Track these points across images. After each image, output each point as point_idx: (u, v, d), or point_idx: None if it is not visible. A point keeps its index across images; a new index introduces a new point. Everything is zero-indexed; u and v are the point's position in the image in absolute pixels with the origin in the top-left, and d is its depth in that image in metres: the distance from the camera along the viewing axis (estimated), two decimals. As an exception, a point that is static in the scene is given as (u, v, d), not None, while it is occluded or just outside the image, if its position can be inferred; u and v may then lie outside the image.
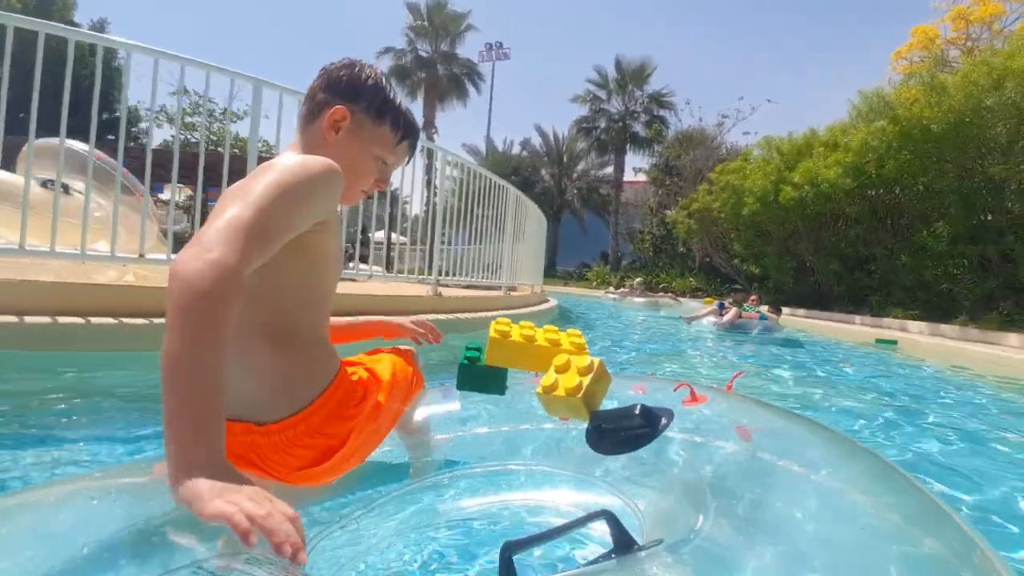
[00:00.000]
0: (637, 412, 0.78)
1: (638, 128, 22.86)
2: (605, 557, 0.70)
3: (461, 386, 0.92)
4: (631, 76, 22.15)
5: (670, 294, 11.80)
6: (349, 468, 0.86)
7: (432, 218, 4.55)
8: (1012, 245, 6.27)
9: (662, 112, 22.26)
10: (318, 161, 0.74)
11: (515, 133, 64.31)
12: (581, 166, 27.07)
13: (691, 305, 10.50)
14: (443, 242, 4.39)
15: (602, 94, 23.26)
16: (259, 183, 0.66)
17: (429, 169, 7.30)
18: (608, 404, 0.83)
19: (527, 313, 5.60)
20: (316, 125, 0.85)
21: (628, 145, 23.17)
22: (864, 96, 7.71)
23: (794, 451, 0.85)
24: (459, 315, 3.84)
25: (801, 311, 10.08)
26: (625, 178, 24.29)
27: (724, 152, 18.27)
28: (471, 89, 24.64)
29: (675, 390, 1.02)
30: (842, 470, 0.80)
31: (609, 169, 24.90)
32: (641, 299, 11.63)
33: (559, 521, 0.81)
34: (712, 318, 7.01)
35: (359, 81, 0.86)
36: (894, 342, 6.01)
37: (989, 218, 6.72)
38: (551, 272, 24.40)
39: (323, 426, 0.80)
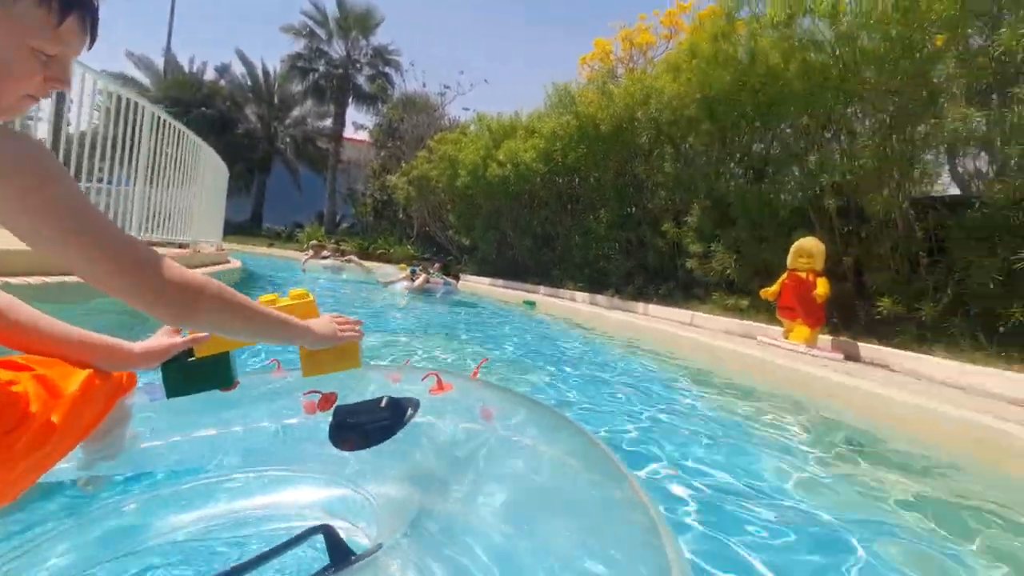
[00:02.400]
0: (383, 404, 0.84)
1: (362, 81, 21.43)
2: (320, 574, 0.66)
3: (173, 393, 0.79)
4: (355, 21, 20.45)
5: (354, 259, 11.33)
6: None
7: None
8: (645, 233, 7.86)
9: (387, 70, 21.35)
10: None
11: (209, 54, 52.41)
12: (296, 112, 24.01)
13: (387, 270, 10.64)
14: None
15: (321, 32, 20.84)
16: None
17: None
18: (361, 396, 0.91)
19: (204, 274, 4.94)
20: None
21: (351, 98, 21.53)
22: (556, 88, 8.56)
23: (522, 427, 0.97)
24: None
25: (500, 281, 10.99)
26: (347, 134, 22.62)
27: (446, 123, 18.70)
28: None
29: (423, 380, 1.04)
30: (552, 438, 0.95)
31: (329, 121, 22.75)
32: (324, 262, 10.87)
33: (293, 528, 0.77)
34: (405, 283, 7.80)
35: None
36: (533, 303, 7.84)
37: (633, 210, 8.30)
38: (255, 231, 21.14)
39: None
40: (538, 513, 0.75)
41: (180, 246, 5.96)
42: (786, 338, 4.52)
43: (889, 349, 4.05)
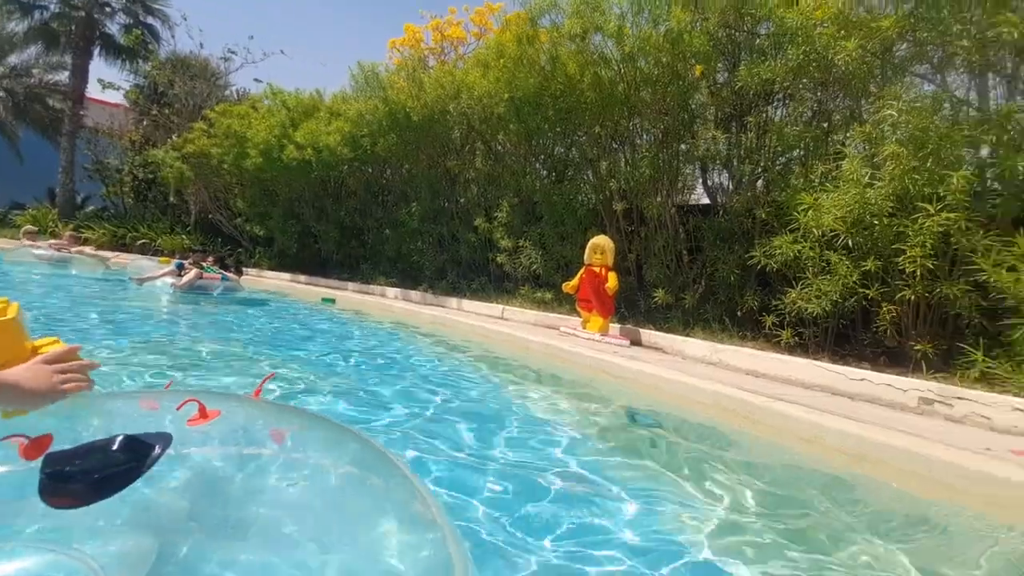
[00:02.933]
0: (116, 446, 0.70)
1: (114, 30, 17.31)
2: None
3: None
4: (102, -46, 16.40)
5: (85, 250, 9.20)
6: None
7: None
8: (458, 227, 7.87)
9: (150, 20, 17.61)
10: None
11: None
12: (15, 58, 18.34)
13: (141, 264, 8.89)
14: None
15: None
16: None
17: None
18: (100, 433, 0.76)
19: None
20: None
21: (99, 50, 17.22)
22: (362, 68, 8.00)
23: (307, 446, 0.93)
24: None
25: (304, 277, 9.95)
26: (93, 95, 18.05)
27: (232, 94, 16.22)
28: None
29: (178, 408, 0.90)
30: (338, 454, 0.91)
31: (66, 76, 17.86)
32: (39, 252, 8.59)
33: None
34: (170, 279, 6.76)
35: None
36: (333, 299, 7.49)
37: (446, 204, 8.24)
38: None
39: None
40: (323, 533, 0.72)
41: None
42: (584, 328, 4.91)
43: (661, 333, 4.68)
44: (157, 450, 0.70)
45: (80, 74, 17.09)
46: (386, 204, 9.61)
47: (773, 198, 4.45)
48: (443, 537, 0.74)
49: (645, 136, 5.75)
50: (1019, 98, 3.28)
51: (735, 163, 5.02)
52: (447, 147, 7.96)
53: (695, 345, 4.10)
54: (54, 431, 0.83)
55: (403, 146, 8.05)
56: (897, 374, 3.15)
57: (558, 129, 6.56)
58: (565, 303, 6.04)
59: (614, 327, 5.00)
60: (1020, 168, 2.94)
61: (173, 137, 14.15)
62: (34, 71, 18.48)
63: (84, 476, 0.66)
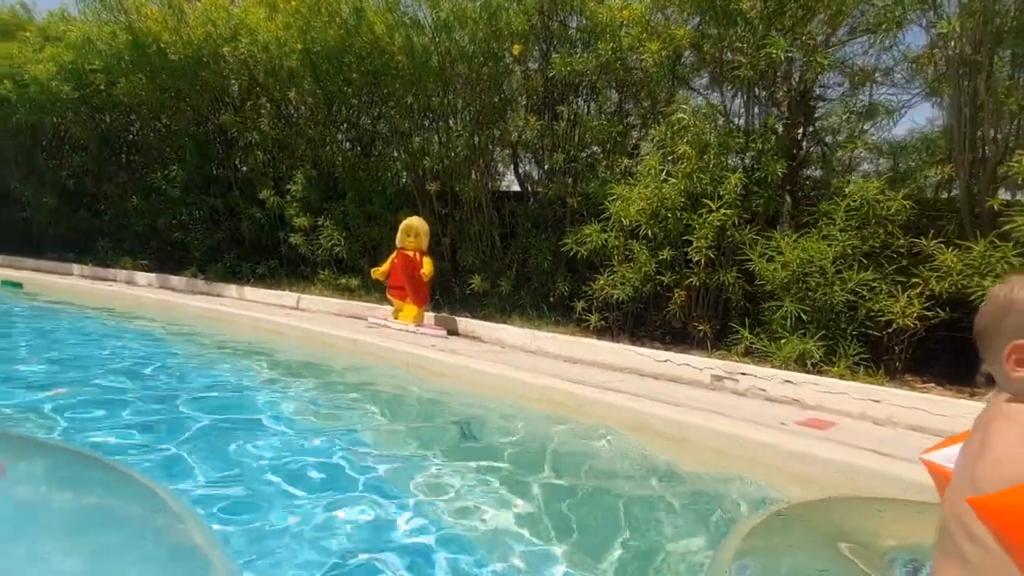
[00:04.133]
0: None
1: None
2: None
3: None
4: None
5: None
6: None
7: None
8: (238, 200, 6.54)
9: None
10: None
11: None
12: None
13: None
14: None
15: None
16: None
17: None
18: None
19: None
20: None
21: None
22: (92, -22, 5.99)
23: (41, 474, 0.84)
24: None
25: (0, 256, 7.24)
26: None
27: None
28: None
29: None
30: (68, 476, 0.85)
31: None
32: None
33: None
34: None
35: None
36: (20, 284, 6.34)
37: (221, 171, 6.78)
38: None
39: None
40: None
41: None
42: (396, 318, 4.45)
43: (478, 321, 4.51)
44: None
45: None
46: (132, 165, 7.53)
47: (582, 188, 4.60)
48: (202, 547, 0.73)
49: (461, 115, 5.47)
50: (774, 111, 3.89)
51: (547, 151, 5.09)
52: (221, 100, 6.52)
53: (514, 333, 4.00)
54: None
55: (157, 92, 6.31)
56: (683, 352, 3.50)
57: (364, 96, 5.85)
58: (373, 290, 5.46)
59: (429, 316, 4.65)
60: (779, 172, 3.47)
61: None
62: None
63: None
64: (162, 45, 5.73)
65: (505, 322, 4.42)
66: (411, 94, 5.23)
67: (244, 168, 6.80)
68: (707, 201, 3.65)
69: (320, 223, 5.84)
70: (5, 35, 6.99)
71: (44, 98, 6.40)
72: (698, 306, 3.93)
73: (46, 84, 6.14)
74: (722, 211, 3.60)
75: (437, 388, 2.86)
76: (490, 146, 5.25)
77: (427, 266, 4.33)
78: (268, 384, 2.84)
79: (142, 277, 6.41)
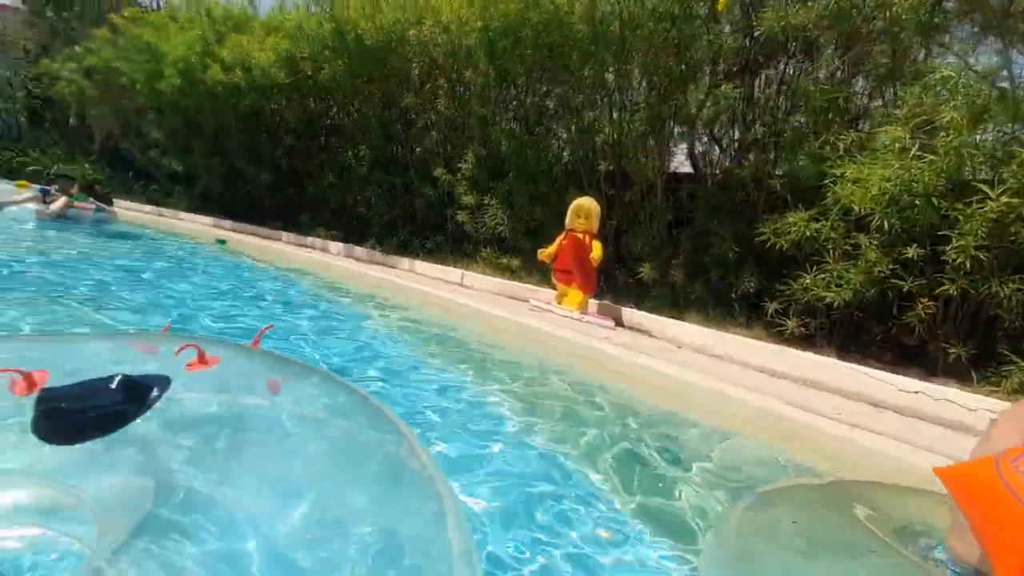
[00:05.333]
0: (115, 386, 0.72)
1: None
2: None
3: None
4: None
5: None
6: None
7: None
8: (413, 178, 6.91)
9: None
10: None
11: None
12: None
13: None
14: None
15: None
16: None
17: None
18: (102, 369, 0.77)
19: None
20: None
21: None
22: (306, -27, 6.68)
23: (307, 397, 0.91)
24: None
25: (228, 223, 8.68)
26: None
27: (150, 5, 13.89)
28: None
29: (177, 353, 0.91)
30: (336, 405, 0.91)
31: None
32: None
33: None
34: (34, 205, 6.13)
35: None
36: (224, 241, 7.15)
37: (400, 150, 7.22)
38: None
39: None
40: (324, 482, 0.71)
41: None
42: (559, 303, 4.25)
43: (646, 314, 4.10)
44: (155, 392, 0.72)
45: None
46: (331, 147, 8.41)
47: (786, 166, 3.88)
48: (438, 494, 0.73)
49: (638, 87, 5.01)
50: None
51: (739, 124, 4.41)
52: (404, 83, 6.88)
53: (693, 332, 3.53)
54: (49, 367, 0.82)
55: (351, 78, 6.88)
56: (919, 378, 2.71)
57: (536, 72, 5.68)
58: (535, 272, 5.35)
59: (592, 303, 4.37)
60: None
61: (75, 49, 11.93)
62: None
63: (80, 414, 0.67)
64: (359, 32, 6.18)
65: (679, 318, 3.96)
66: (587, 66, 4.91)
67: (418, 149, 7.16)
68: (981, 186, 2.76)
69: (486, 201, 5.88)
70: (237, 29, 8.20)
71: (265, 83, 7.39)
72: (950, 321, 3.05)
73: (266, 70, 7.06)
74: (1003, 199, 2.69)
75: (617, 390, 2.56)
76: (670, 122, 4.72)
77: (597, 250, 4.04)
78: (445, 357, 2.83)
79: (332, 246, 7.16)
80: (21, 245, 4.80)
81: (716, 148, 4.93)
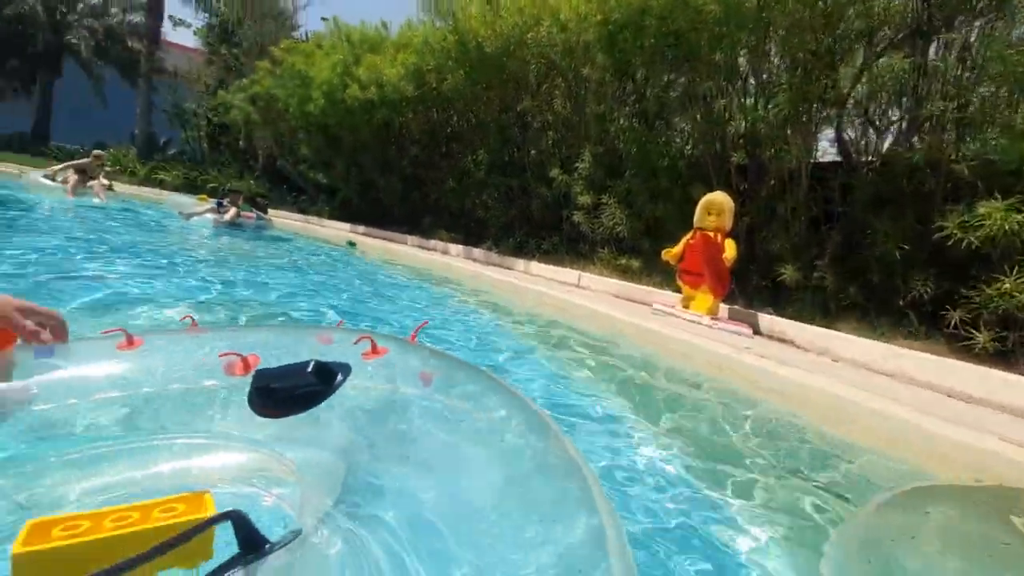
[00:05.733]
0: (310, 369, 0.82)
1: (186, -34, 17.09)
2: (229, 565, 0.57)
3: None
4: None
5: (98, 181, 8.89)
6: None
7: None
8: (529, 180, 6.96)
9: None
10: None
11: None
12: (95, -1, 18.69)
13: (177, 199, 9.47)
14: None
15: None
16: None
17: None
18: (285, 359, 0.90)
19: None
20: None
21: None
22: (431, -11, 7.03)
23: (463, 393, 0.92)
24: None
25: (362, 227, 9.47)
26: (169, 38, 18.16)
27: (301, 36, 15.70)
28: None
29: (355, 343, 1.00)
30: (493, 404, 0.89)
31: (140, 18, 17.98)
32: (50, 183, 8.53)
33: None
34: (211, 215, 7.26)
35: None
36: (354, 243, 7.85)
37: (516, 152, 7.32)
38: (39, 147, 16.42)
39: None
40: (480, 483, 0.73)
41: None
42: (685, 307, 3.96)
43: (788, 321, 3.66)
44: (340, 377, 0.80)
45: (154, 13, 17.12)
46: (451, 154, 8.79)
47: (979, 148, 3.23)
48: (598, 509, 0.68)
49: (777, 68, 4.52)
50: None
51: (910, 100, 3.77)
52: (521, 86, 6.95)
53: (852, 343, 3.06)
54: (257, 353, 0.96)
55: (471, 85, 7.12)
56: None
57: (658, 62, 5.39)
58: (655, 272, 5.08)
59: (722, 308, 4.02)
60: None
61: (243, 81, 13.88)
62: (112, 9, 18.71)
63: (285, 392, 0.77)
64: (480, 40, 6.36)
65: (829, 326, 3.48)
66: (718, 49, 4.53)
67: (534, 151, 7.20)
68: None
69: (603, 200, 5.72)
70: (373, 50, 8.91)
71: (395, 97, 7.93)
72: None
73: (396, 84, 7.56)
74: None
75: (769, 411, 2.27)
76: (816, 104, 4.18)
77: (730, 249, 3.70)
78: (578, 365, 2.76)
79: (452, 248, 7.47)
80: (204, 247, 5.69)
81: (871, 131, 4.27)
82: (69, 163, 9.00)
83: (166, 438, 0.92)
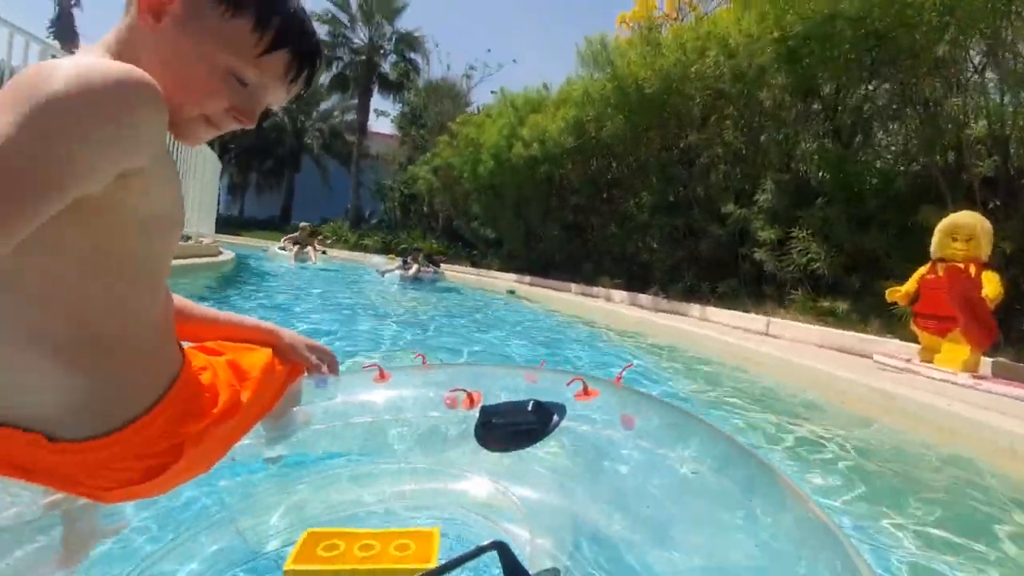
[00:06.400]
0: (530, 408, 0.86)
1: (386, 69, 20.50)
2: None
3: None
4: (378, 6, 19.51)
5: (313, 245, 10.76)
6: (189, 479, 0.70)
7: None
8: (697, 218, 6.45)
9: (412, 55, 20.31)
10: (111, 70, 0.45)
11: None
12: (324, 106, 23.40)
13: (374, 260, 11.27)
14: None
15: (343, 18, 20.01)
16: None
17: None
18: (502, 396, 0.95)
19: (193, 266, 5.30)
20: (131, 11, 0.55)
21: (375, 87, 20.66)
22: (589, 43, 7.21)
23: (674, 443, 0.89)
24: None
25: (528, 278, 9.77)
26: (372, 128, 21.82)
27: (474, 110, 17.55)
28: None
29: (568, 384, 1.00)
30: (706, 450, 0.86)
31: (353, 116, 21.96)
32: (283, 253, 10.47)
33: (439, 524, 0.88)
34: (399, 271, 8.40)
35: None
36: (514, 291, 8.23)
37: (682, 191, 6.90)
38: (284, 227, 20.72)
39: (148, 446, 0.61)
40: (702, 529, 0.73)
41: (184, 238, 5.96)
42: (926, 360, 3.09)
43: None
44: (556, 418, 0.81)
45: (363, 110, 20.77)
46: (612, 199, 8.69)
47: None
48: (841, 547, 0.64)
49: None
50: None
51: None
52: (685, 122, 6.61)
53: None
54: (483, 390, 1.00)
55: (631, 129, 6.99)
56: None
57: (854, 69, 4.63)
58: (869, 316, 4.16)
59: (984, 362, 3.04)
60: None
61: (427, 155, 15.90)
62: (335, 113, 23.25)
63: (506, 428, 0.81)
64: (639, 82, 6.26)
65: None
66: (941, 42, 3.70)
67: (701, 186, 6.69)
68: None
69: (791, 234, 4.96)
70: (535, 110, 9.42)
71: (556, 151, 8.18)
72: None
73: (557, 138, 7.81)
74: None
75: None
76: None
77: (993, 285, 2.81)
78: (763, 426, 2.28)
79: (616, 294, 7.20)
80: (394, 298, 6.52)
81: None
82: (288, 236, 11.26)
83: (407, 463, 1.03)
